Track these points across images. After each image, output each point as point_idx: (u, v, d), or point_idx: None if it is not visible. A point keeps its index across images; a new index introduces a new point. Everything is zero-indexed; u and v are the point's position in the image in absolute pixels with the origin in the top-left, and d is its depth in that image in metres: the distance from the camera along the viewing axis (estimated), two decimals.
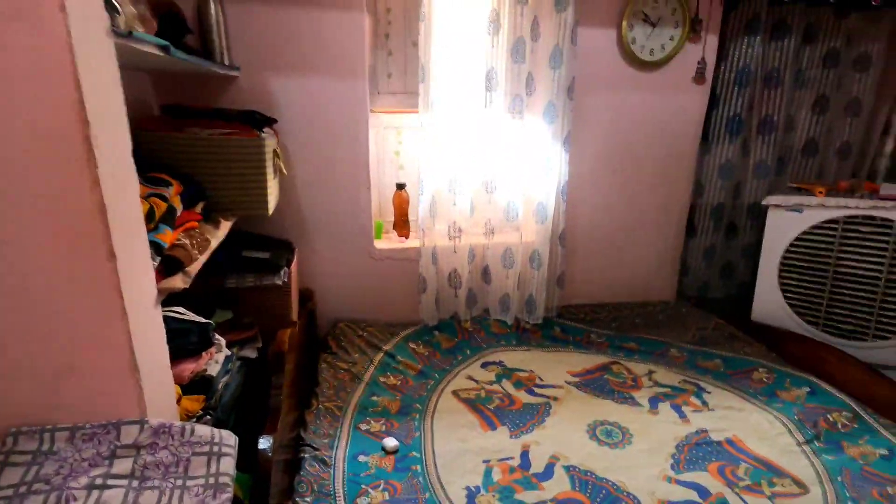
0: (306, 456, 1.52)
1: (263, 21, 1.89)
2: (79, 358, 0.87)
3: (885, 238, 1.94)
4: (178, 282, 1.08)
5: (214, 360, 1.48)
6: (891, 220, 1.92)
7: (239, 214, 1.71)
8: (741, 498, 1.45)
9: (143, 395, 0.92)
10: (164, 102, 1.72)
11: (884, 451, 1.58)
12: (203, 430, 0.97)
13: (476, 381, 2.04)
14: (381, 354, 2.13)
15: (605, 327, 2.46)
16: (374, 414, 1.80)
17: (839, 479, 1.51)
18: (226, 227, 1.58)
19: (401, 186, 2.33)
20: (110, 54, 0.85)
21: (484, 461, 1.59)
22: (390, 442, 1.64)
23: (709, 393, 1.96)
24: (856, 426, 1.70)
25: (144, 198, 1.05)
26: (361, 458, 1.57)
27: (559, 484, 1.50)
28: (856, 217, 2.01)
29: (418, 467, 1.56)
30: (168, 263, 1.09)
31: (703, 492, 1.47)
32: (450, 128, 2.13)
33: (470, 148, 2.19)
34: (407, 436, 1.71)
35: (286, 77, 1.98)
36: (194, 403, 1.26)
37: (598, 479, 1.52)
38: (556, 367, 2.15)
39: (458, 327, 2.36)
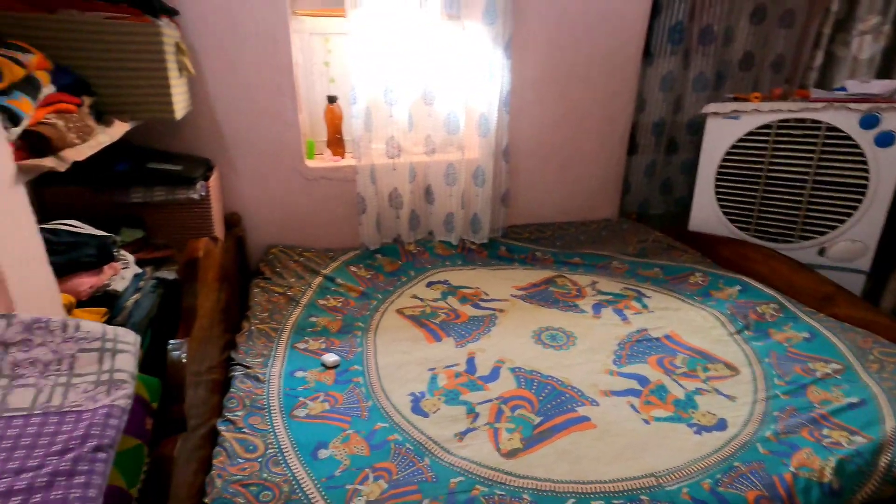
0: (237, 374, 1.41)
1: None
2: None
3: (814, 140, 1.99)
4: (50, 162, 0.90)
5: (121, 277, 1.32)
6: (820, 122, 1.97)
7: (140, 118, 1.49)
8: (678, 383, 1.50)
9: (6, 287, 0.77)
10: None
11: (806, 335, 1.67)
12: (91, 326, 0.83)
13: (421, 300, 1.97)
14: (320, 279, 2.01)
15: (549, 245, 2.45)
16: (312, 334, 1.71)
17: (766, 360, 1.59)
18: (121, 127, 1.37)
19: (332, 100, 2.14)
20: None
21: (429, 370, 1.55)
22: (330, 357, 1.55)
23: (648, 297, 2.00)
24: (781, 315, 1.78)
25: None
26: (299, 374, 1.49)
27: (505, 384, 1.48)
28: (788, 120, 2.04)
29: (360, 379, 1.49)
30: (33, 140, 0.90)
31: (643, 380, 1.51)
32: (382, 30, 1.94)
33: (405, 54, 2.02)
34: (348, 352, 1.63)
35: None
36: (93, 316, 1.11)
37: (544, 377, 1.51)
38: (501, 283, 2.12)
39: (402, 250, 2.27)
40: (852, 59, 2.31)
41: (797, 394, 1.42)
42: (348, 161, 2.19)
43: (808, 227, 2.09)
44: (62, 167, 0.93)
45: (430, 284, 2.09)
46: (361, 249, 2.22)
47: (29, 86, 0.93)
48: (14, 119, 0.85)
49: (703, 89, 2.56)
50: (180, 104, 1.59)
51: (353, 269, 2.11)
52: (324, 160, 2.20)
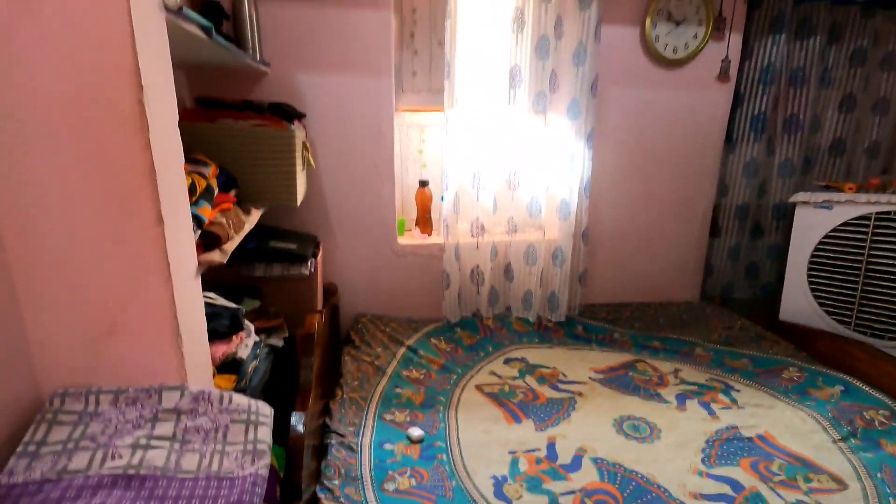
0: (332, 442, 1.52)
1: (293, 17, 1.95)
2: (123, 320, 0.88)
3: None
4: (217, 256, 1.10)
5: (245, 345, 1.50)
6: None
7: (268, 205, 1.74)
8: (776, 493, 1.41)
9: (183, 362, 0.94)
10: (197, 96, 1.77)
11: None
12: (240, 400, 0.98)
13: (499, 377, 2.02)
14: (404, 349, 2.13)
15: (628, 326, 2.43)
16: (398, 405, 1.80)
17: (879, 475, 1.46)
18: (256, 214, 1.61)
19: (423, 184, 2.35)
20: (161, 26, 0.88)
21: (510, 452, 1.57)
22: (415, 431, 1.63)
23: (737, 391, 1.92)
24: (894, 424, 1.65)
25: (186, 174, 1.08)
26: (387, 447, 1.57)
27: (587, 475, 1.48)
28: (888, 213, 1.97)
29: (444, 456, 1.55)
30: (207, 238, 1.11)
31: (736, 486, 1.44)
32: (474, 124, 2.16)
33: (493, 145, 2.21)
34: (432, 426, 1.70)
35: (314, 73, 2.02)
36: (227, 382, 1.27)
37: (627, 471, 1.49)
38: (579, 364, 2.13)
39: (480, 324, 2.36)
40: None
41: None
42: (435, 239, 2.36)
43: None
44: (225, 259, 1.13)
45: (507, 361, 2.14)
46: (442, 322, 2.33)
47: (208, 193, 1.16)
48: (199, 223, 1.06)
49: (790, 175, 2.53)
50: (301, 193, 1.84)
51: (434, 340, 2.22)
52: (413, 237, 2.39)
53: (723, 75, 2.34)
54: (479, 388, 1.95)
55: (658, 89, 2.33)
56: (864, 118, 2.52)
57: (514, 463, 1.53)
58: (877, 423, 1.66)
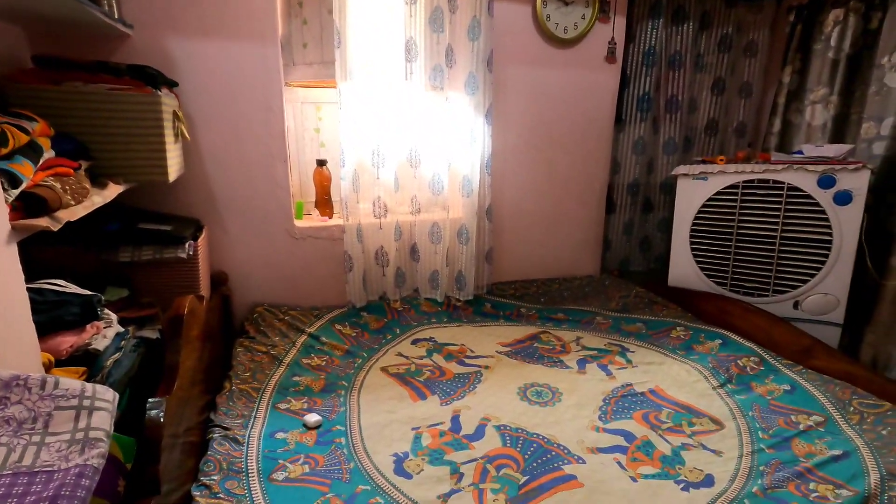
0: (215, 436, 1.37)
1: None
2: None
3: (778, 199, 2.11)
4: (44, 222, 0.93)
5: (102, 336, 1.32)
6: (782, 182, 2.09)
7: (134, 180, 1.54)
8: (664, 438, 1.49)
9: None
10: (36, 54, 1.52)
11: (787, 387, 1.68)
12: (70, 383, 0.83)
13: (406, 357, 1.97)
14: (305, 336, 2.00)
15: (534, 301, 2.48)
16: (295, 393, 1.68)
17: (750, 413, 1.59)
18: (115, 189, 1.42)
19: (321, 163, 2.24)
20: None
21: (413, 429, 1.52)
22: (312, 417, 1.53)
23: (632, 352, 2.02)
24: (762, 368, 1.81)
25: None
26: (279, 435, 1.45)
27: (490, 442, 1.46)
28: (752, 181, 2.17)
29: (342, 440, 1.46)
30: (29, 202, 0.94)
31: (629, 436, 1.49)
32: (371, 98, 2.08)
33: (392, 121, 2.14)
34: (331, 411, 1.60)
35: (188, 39, 1.83)
36: (71, 375, 1.10)
37: (529, 434, 1.50)
38: (486, 339, 2.13)
39: (388, 307, 2.29)
40: (807, 126, 2.49)
41: (782, 447, 1.42)
42: (336, 221, 2.25)
43: (780, 282, 2.16)
44: (55, 227, 0.96)
45: (415, 342, 2.09)
46: (347, 307, 2.23)
47: (31, 151, 0.98)
48: (14, 182, 0.89)
49: (673, 152, 2.72)
50: (174, 167, 1.65)
51: (338, 327, 2.11)
52: (312, 220, 2.26)
53: (610, 56, 2.46)
54: (384, 370, 1.88)
55: (552, 68, 2.40)
56: (732, 100, 2.77)
57: (417, 439, 1.48)
58: (748, 369, 1.81)
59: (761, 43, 2.68)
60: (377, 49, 2.07)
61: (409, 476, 1.32)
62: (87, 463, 0.74)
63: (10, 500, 0.66)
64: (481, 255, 2.41)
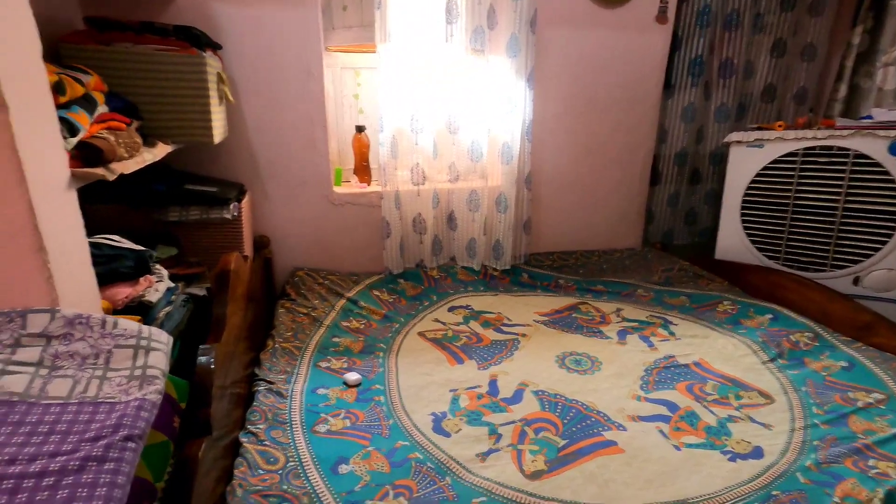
0: (261, 388, 1.42)
1: None
2: None
3: (842, 167, 1.97)
4: (101, 171, 0.96)
5: (154, 289, 1.36)
6: (847, 149, 1.95)
7: (180, 141, 1.57)
8: (709, 410, 1.44)
9: (53, 283, 0.81)
10: (87, 15, 1.55)
11: (844, 364, 1.60)
12: (129, 325, 0.86)
13: (443, 323, 1.97)
14: (344, 300, 2.03)
15: (572, 273, 2.43)
16: (335, 353, 1.71)
17: (803, 388, 1.52)
18: (164, 149, 1.45)
19: (360, 129, 2.23)
20: None
21: (451, 391, 1.53)
22: (352, 376, 1.55)
23: (675, 325, 1.96)
24: (817, 344, 1.72)
25: (53, 73, 0.92)
26: (321, 391, 1.49)
27: (528, 406, 1.45)
28: (814, 148, 2.03)
29: (381, 398, 1.48)
30: (86, 152, 0.96)
31: (672, 406, 1.45)
32: (410, 62, 2.04)
33: (432, 85, 2.10)
34: (370, 372, 1.63)
35: (229, 1, 1.84)
36: None
37: (568, 400, 1.48)
38: (524, 308, 2.11)
39: (424, 275, 2.29)
40: (877, 91, 2.30)
41: (838, 423, 1.35)
42: (374, 188, 2.25)
43: (840, 256, 2.03)
44: (111, 177, 0.99)
45: (451, 309, 2.09)
46: (385, 274, 2.24)
47: (87, 102, 1.01)
48: (72, 130, 0.92)
49: (726, 119, 2.58)
50: (218, 130, 1.68)
51: (375, 292, 2.13)
52: (350, 187, 2.27)
53: (661, 16, 2.32)
54: (421, 334, 1.89)
55: (599, 28, 2.28)
56: (793, 64, 2.58)
57: (455, 400, 1.48)
58: (801, 345, 1.72)
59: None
60: (417, 10, 2.02)
61: (447, 434, 1.33)
62: (146, 397, 0.77)
63: (76, 426, 0.69)
64: (519, 225, 2.37)
